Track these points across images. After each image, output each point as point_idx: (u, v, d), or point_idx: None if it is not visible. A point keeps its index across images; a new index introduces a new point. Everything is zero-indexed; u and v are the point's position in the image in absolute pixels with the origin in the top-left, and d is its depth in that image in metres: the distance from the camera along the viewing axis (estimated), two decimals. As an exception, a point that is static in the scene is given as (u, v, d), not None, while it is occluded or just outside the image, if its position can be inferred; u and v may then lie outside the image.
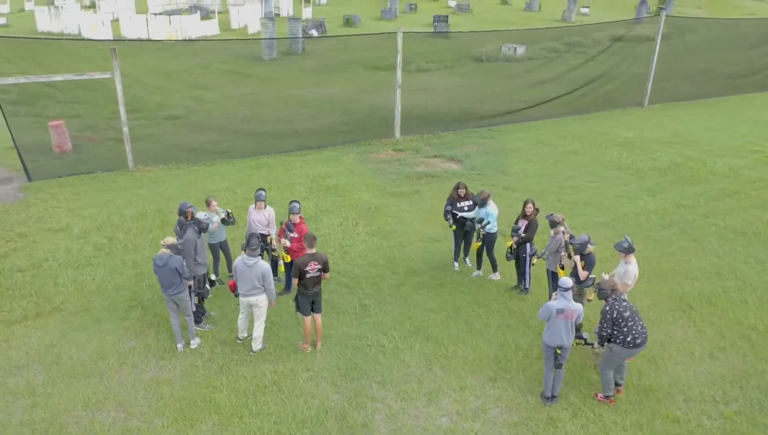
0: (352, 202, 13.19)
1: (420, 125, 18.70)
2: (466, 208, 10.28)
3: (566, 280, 7.20)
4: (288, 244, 9.11)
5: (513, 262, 9.88)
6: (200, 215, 8.62)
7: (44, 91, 22.00)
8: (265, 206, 9.64)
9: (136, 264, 10.54)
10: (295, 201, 9.43)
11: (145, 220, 12.20)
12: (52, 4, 46.43)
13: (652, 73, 22.47)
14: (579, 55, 34.71)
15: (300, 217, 9.39)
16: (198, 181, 14.40)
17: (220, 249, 9.82)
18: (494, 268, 10.32)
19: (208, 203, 9.45)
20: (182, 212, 8.89)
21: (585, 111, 21.41)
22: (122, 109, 14.36)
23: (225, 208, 10.24)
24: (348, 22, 41.83)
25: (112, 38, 35.80)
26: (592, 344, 8.10)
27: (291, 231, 9.21)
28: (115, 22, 38.35)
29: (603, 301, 7.38)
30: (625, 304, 7.20)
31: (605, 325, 7.17)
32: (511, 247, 9.55)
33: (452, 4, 54.97)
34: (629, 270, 7.97)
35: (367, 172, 15.02)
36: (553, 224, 8.94)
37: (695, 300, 9.86)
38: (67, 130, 16.77)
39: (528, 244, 9.44)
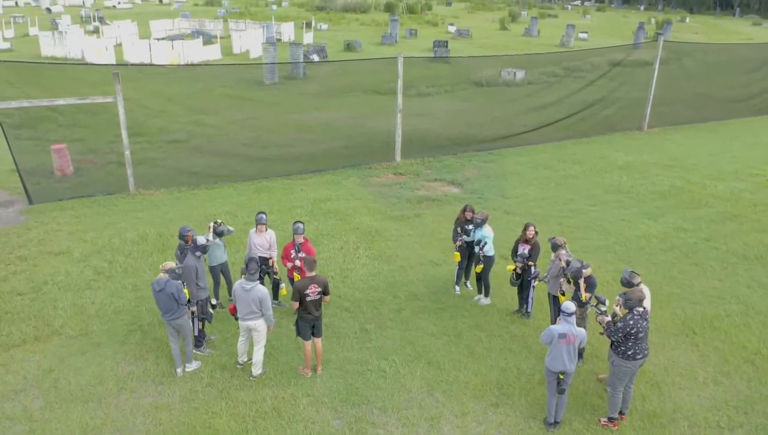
0: (353, 225, 13.19)
1: (420, 149, 18.79)
2: (469, 228, 10.32)
3: (569, 305, 7.16)
4: (297, 263, 9.09)
5: (515, 286, 9.85)
6: (200, 239, 8.60)
7: (47, 115, 22.13)
8: (266, 229, 9.63)
9: (136, 287, 10.50)
10: (299, 221, 9.44)
11: (145, 244, 12.18)
12: (56, 29, 47.05)
13: (651, 98, 22.63)
14: (578, 80, 35.06)
15: (304, 237, 9.40)
16: (199, 204, 14.42)
17: (220, 272, 9.78)
18: (486, 293, 10.26)
19: (208, 228, 9.42)
20: (182, 236, 8.88)
21: (585, 135, 21.52)
22: (124, 133, 14.44)
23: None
24: (349, 47, 42.27)
25: (115, 63, 36.16)
26: (603, 312, 7.76)
27: (298, 251, 9.19)
28: (118, 47, 38.75)
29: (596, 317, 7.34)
30: (644, 323, 7.16)
31: (619, 332, 7.14)
32: (515, 272, 9.52)
33: (452, 29, 55.63)
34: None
35: (368, 196, 15.04)
36: (555, 247, 8.92)
37: (698, 324, 9.80)
38: (69, 154, 16.86)
39: (532, 268, 9.42)
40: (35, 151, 18.06)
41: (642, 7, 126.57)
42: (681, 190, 16.08)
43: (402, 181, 16.25)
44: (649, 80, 23.02)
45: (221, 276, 9.84)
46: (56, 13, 70.00)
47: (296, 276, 9.11)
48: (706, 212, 14.60)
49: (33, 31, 50.46)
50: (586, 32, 54.85)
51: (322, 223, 13.15)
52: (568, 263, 8.53)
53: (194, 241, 8.66)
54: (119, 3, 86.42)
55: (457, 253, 10.39)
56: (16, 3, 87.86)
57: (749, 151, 20.29)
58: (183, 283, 8.12)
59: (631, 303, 7.21)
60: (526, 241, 9.45)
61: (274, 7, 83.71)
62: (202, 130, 21.40)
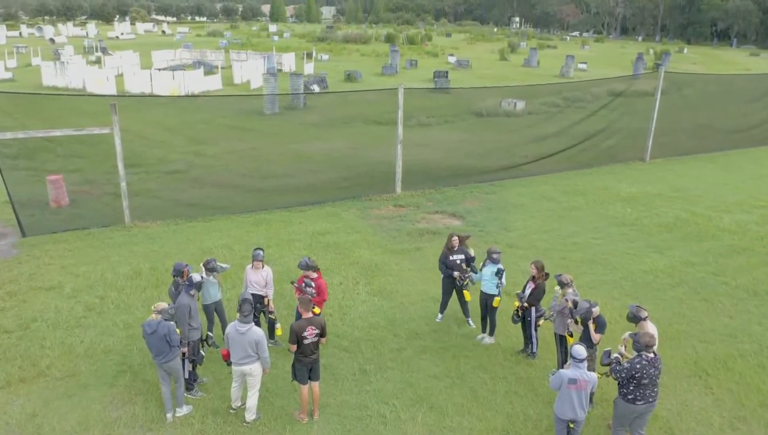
0: (352, 259, 12.88)
1: (421, 180, 18.57)
2: (458, 261, 10.04)
3: (580, 350, 6.81)
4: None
5: (519, 324, 9.51)
6: (195, 276, 8.28)
7: (45, 145, 21.98)
8: (263, 266, 9.33)
9: (128, 325, 10.15)
10: (306, 257, 9.14)
11: (139, 279, 11.86)
12: (59, 59, 47.35)
13: (653, 128, 22.50)
14: (579, 110, 35.09)
15: (318, 270, 9.09)
16: (196, 237, 14.12)
17: (214, 311, 9.44)
18: (491, 331, 9.92)
19: (211, 269, 9.11)
20: (178, 272, 8.58)
21: (587, 166, 21.33)
22: (120, 165, 14.22)
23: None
24: (349, 77, 42.44)
25: (115, 93, 36.25)
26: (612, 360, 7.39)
27: (310, 286, 8.82)
28: (120, 77, 38.87)
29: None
30: (653, 371, 6.80)
31: (623, 372, 6.80)
32: (517, 310, 9.19)
33: (452, 60, 56.02)
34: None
35: (368, 229, 14.75)
36: (561, 285, 8.61)
37: (710, 365, 9.43)
38: (65, 185, 16.65)
39: (533, 308, 9.08)
40: (31, 182, 17.85)
41: (640, 38, 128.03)
42: (686, 222, 15.80)
43: (402, 214, 15.98)
44: (649, 110, 22.94)
45: (215, 315, 9.50)
46: (59, 43, 70.65)
47: (315, 309, 8.67)
48: (713, 245, 14.30)
49: (35, 61, 50.83)
50: (585, 63, 55.22)
51: (321, 258, 12.83)
52: (575, 304, 8.21)
53: (189, 278, 8.35)
54: (122, 34, 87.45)
55: (467, 292, 10.12)
56: (20, 33, 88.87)
57: (753, 181, 20.07)
58: (175, 323, 7.80)
59: (639, 346, 6.88)
60: (533, 280, 9.13)
61: (276, 38, 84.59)
62: (201, 161, 21.22)
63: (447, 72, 44.20)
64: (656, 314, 10.82)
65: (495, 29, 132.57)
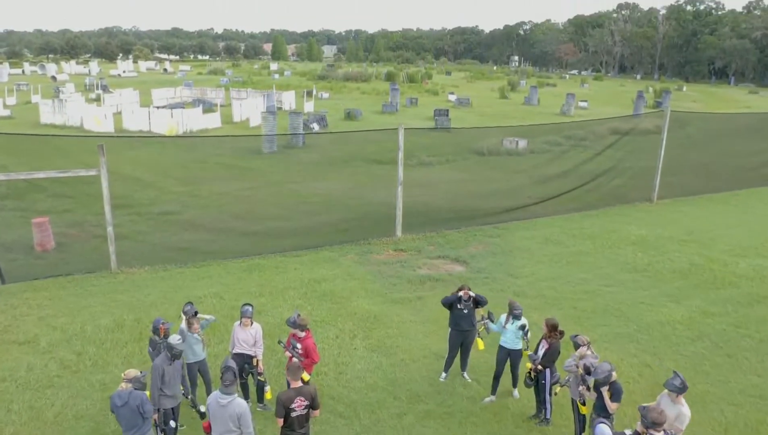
0: (350, 310, 12.08)
1: (422, 223, 17.88)
2: (465, 311, 9.30)
3: (604, 431, 5.98)
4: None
5: (530, 387, 8.69)
6: (173, 339, 7.49)
7: (36, 184, 21.40)
8: (252, 323, 8.56)
9: (104, 386, 9.31)
10: (296, 313, 8.38)
11: (121, 332, 11.06)
12: (58, 96, 47.21)
13: (660, 168, 21.91)
14: (580, 149, 34.65)
15: (307, 329, 8.32)
16: (184, 285, 13.36)
17: (197, 371, 8.63)
18: (514, 384, 9.18)
19: (189, 324, 8.34)
20: (155, 329, 7.82)
21: (593, 207, 20.68)
22: (107, 208, 13.55)
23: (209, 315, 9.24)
24: (349, 115, 42.17)
25: (113, 131, 35.88)
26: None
27: (294, 347, 8.09)
28: (118, 114, 38.56)
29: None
30: None
31: None
32: (530, 372, 8.39)
33: (452, 98, 55.98)
34: (683, 412, 6.72)
35: (367, 276, 13.99)
36: (577, 347, 7.83)
37: (742, 432, 8.58)
38: (53, 227, 15.97)
39: (548, 370, 8.28)
40: (18, 224, 17.19)
41: (638, 77, 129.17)
42: (701, 268, 15.05)
43: (403, 259, 15.23)
44: (654, 149, 22.42)
45: (198, 376, 8.68)
46: (61, 81, 70.94)
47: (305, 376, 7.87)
48: (732, 293, 13.52)
49: (35, 98, 50.71)
50: (585, 101, 55.16)
51: (317, 308, 12.05)
52: (587, 370, 7.40)
53: (166, 336, 7.58)
54: (124, 72, 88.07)
55: (480, 340, 9.34)
56: (23, 71, 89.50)
57: (766, 223, 19.38)
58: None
59: (646, 421, 6.06)
60: (546, 339, 8.35)
61: (277, 76, 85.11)
62: (195, 202, 20.58)
63: (447, 110, 43.99)
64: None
65: (494, 68, 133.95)
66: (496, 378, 9.12)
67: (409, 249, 16.02)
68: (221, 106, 46.59)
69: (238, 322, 8.62)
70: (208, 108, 42.99)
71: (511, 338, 8.91)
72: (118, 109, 43.59)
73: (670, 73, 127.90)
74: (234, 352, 8.58)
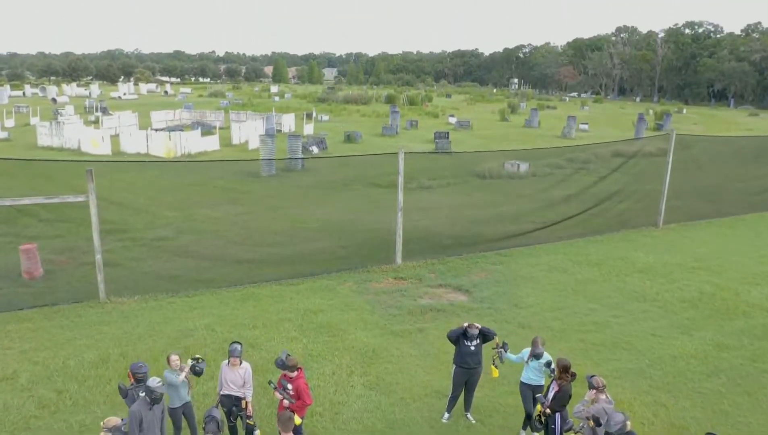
0: (347, 343, 11.52)
1: (423, 249, 17.38)
2: (472, 348, 8.76)
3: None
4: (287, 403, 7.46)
5: (538, 431, 8.11)
6: (152, 382, 6.93)
7: (28, 209, 20.90)
8: (241, 363, 8.02)
9: (84, 427, 8.74)
10: (284, 353, 7.83)
11: (105, 367, 10.49)
12: (56, 119, 47.01)
13: (666, 192, 21.45)
14: (583, 172, 34.26)
15: (299, 368, 7.77)
16: (174, 316, 12.80)
17: (182, 415, 8.06)
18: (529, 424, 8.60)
19: (168, 361, 7.82)
20: (133, 375, 7.28)
21: (597, 232, 20.18)
22: (96, 236, 13.08)
23: (197, 353, 8.69)
24: (349, 138, 41.89)
25: (111, 153, 35.55)
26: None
27: (285, 388, 7.55)
28: (116, 137, 38.27)
29: None
30: None
31: None
32: (539, 415, 7.82)
33: (452, 120, 55.82)
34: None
35: (365, 306, 13.43)
36: (591, 388, 7.28)
37: (767, 480, 7.98)
38: (42, 253, 15.49)
39: (558, 414, 7.71)
40: (6, 250, 16.66)
41: (638, 99, 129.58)
42: (712, 296, 14.50)
43: (403, 288, 14.69)
44: (657, 173, 22.00)
45: (183, 420, 8.11)
46: (61, 103, 70.96)
47: (297, 419, 7.32)
48: (746, 324, 12.96)
49: (34, 120, 50.53)
50: (586, 123, 54.97)
51: (312, 342, 11.49)
52: (597, 420, 6.83)
53: (144, 381, 7.04)
54: (124, 94, 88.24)
55: (495, 368, 8.78)
56: (24, 93, 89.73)
57: (776, 250, 18.87)
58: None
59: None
60: (556, 380, 7.79)
61: (277, 99, 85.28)
62: (190, 226, 20.08)
63: (448, 133, 43.77)
64: (694, 413, 9.45)
65: (494, 90, 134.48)
66: (529, 417, 8.48)
67: (410, 277, 15.49)
68: (220, 128, 46.38)
69: (226, 361, 8.08)
70: (207, 130, 42.75)
71: (534, 374, 8.38)
72: (117, 131, 43.41)
73: (670, 95, 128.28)
74: (222, 393, 8.04)
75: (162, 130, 43.40)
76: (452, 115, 59.69)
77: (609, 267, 16.59)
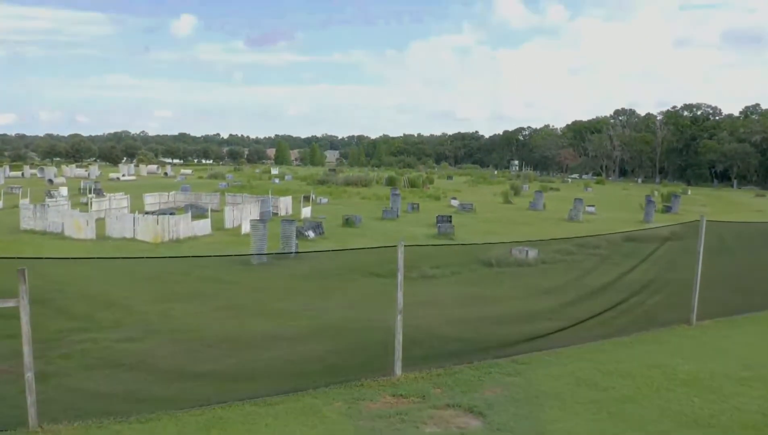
0: (331, 497, 8.98)
1: (426, 355, 15.01)
2: None
3: None
4: None
5: None
6: None
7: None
8: None
9: None
10: None
11: None
12: (44, 201, 45.47)
13: (698, 284, 19.20)
14: (595, 259, 32.08)
15: None
16: (118, 451, 10.31)
17: None
18: None
19: None
20: None
21: (623, 332, 17.80)
22: (27, 349, 10.81)
23: None
24: (348, 222, 40.07)
25: (95, 238, 33.62)
26: None
27: None
28: (102, 220, 36.47)
29: None
30: None
31: None
32: None
33: (455, 203, 54.25)
34: None
35: (356, 437, 10.93)
36: None
37: None
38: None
39: None
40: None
41: (639, 180, 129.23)
42: (777, 420, 11.96)
43: (403, 410, 12.17)
44: (681, 261, 19.88)
45: None
46: (56, 184, 69.91)
47: None
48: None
49: (24, 202, 49.06)
50: (593, 205, 53.34)
51: (285, 495, 8.96)
52: None
53: None
54: (123, 175, 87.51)
55: None
56: (23, 174, 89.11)
57: (833, 354, 16.40)
58: None
59: None
60: None
61: (277, 180, 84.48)
62: (161, 324, 17.71)
63: (450, 216, 41.99)
64: None
65: (495, 172, 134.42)
66: None
67: (411, 393, 12.99)
68: (215, 211, 44.76)
69: None
70: (200, 214, 41.01)
71: None
72: (106, 214, 41.79)
73: (672, 176, 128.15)
74: None
75: (153, 213, 41.74)
76: (454, 198, 58.26)
77: (646, 378, 14.10)
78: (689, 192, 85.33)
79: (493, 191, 73.99)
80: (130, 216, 34.76)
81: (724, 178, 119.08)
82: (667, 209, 55.19)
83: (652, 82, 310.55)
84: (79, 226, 34.28)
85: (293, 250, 28.67)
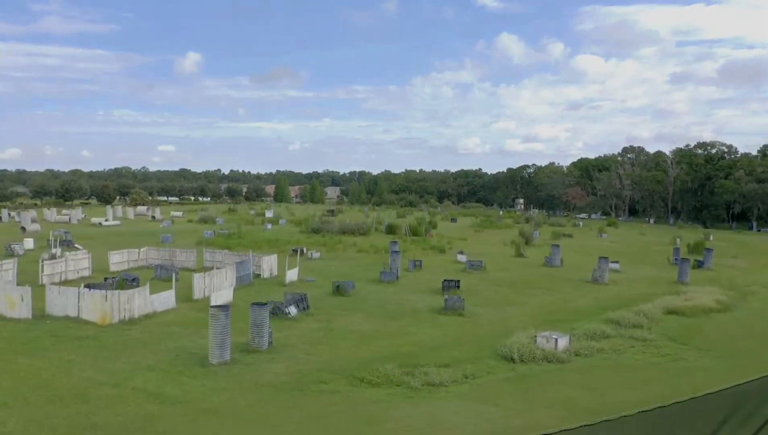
0: None
1: None
2: None
3: None
4: None
5: None
6: None
7: None
8: None
9: None
10: None
11: None
12: (12, 255, 39.77)
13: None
14: (639, 345, 26.51)
15: None
16: None
17: None
18: None
19: None
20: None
21: None
22: None
23: None
24: (338, 290, 34.18)
25: (31, 317, 27.79)
26: None
27: None
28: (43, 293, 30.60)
29: None
30: None
31: None
32: None
33: (462, 259, 48.31)
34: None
35: None
36: None
37: None
38: None
39: None
40: None
41: (651, 221, 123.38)
42: None
43: None
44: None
45: None
46: (30, 232, 64.37)
47: None
48: None
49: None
50: (617, 262, 47.40)
51: None
52: None
53: None
54: (106, 220, 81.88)
55: None
56: (0, 218, 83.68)
57: None
58: None
59: None
60: None
61: (269, 225, 78.80)
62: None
63: (458, 281, 36.11)
64: None
65: (500, 212, 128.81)
66: None
67: None
68: (190, 270, 39.07)
69: None
70: (167, 277, 35.22)
71: None
72: (63, 277, 36.26)
73: (685, 217, 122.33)
74: None
75: (114, 277, 36.05)
76: (461, 252, 52.31)
77: None
78: (711, 237, 79.55)
79: (502, 239, 68.07)
80: (75, 290, 28.89)
81: (740, 218, 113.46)
82: (699, 264, 49.37)
83: (655, 121, 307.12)
84: (11, 302, 28.61)
85: (265, 343, 22.82)
